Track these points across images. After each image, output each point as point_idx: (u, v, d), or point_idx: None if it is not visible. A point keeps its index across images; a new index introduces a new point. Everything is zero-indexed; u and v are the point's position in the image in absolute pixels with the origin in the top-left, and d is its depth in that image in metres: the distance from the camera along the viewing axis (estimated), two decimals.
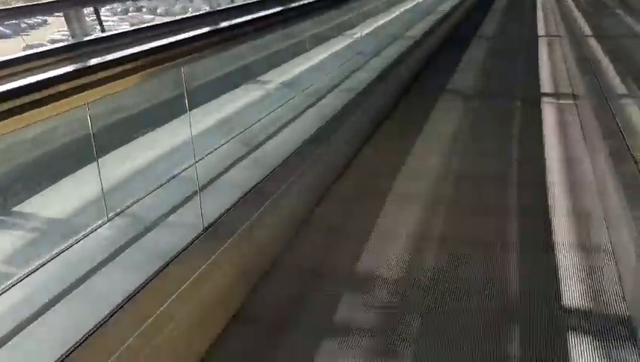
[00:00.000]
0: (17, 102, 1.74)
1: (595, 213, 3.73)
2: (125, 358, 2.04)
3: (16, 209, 2.27)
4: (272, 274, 3.15)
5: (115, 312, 2.07)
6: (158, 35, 3.41)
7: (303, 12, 4.29)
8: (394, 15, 8.46)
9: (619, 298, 2.85)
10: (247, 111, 3.86)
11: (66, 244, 2.23)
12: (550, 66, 7.91)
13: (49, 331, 1.98)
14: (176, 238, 2.55)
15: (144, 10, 19.78)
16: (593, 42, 7.57)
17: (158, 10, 19.34)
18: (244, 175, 3.32)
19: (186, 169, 2.73)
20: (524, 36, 10.39)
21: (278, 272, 3.17)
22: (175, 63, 2.47)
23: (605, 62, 5.92)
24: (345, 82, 5.40)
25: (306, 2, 4.42)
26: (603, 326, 2.66)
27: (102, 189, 2.19)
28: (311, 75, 4.83)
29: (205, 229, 2.67)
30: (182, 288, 2.37)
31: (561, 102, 6.24)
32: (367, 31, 6.35)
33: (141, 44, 2.35)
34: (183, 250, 2.50)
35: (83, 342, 1.93)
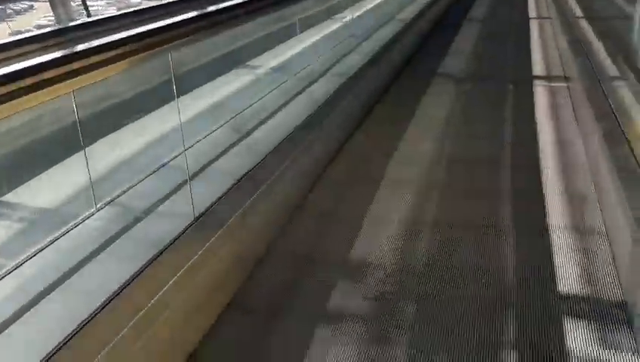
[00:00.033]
0: (2, 90, 1.70)
1: (588, 196, 3.72)
2: (120, 348, 2.01)
3: (1, 199, 2.22)
4: (266, 261, 3.12)
5: (109, 302, 2.03)
6: (146, 19, 3.34)
7: None
8: None
9: (613, 279, 2.84)
10: (237, 96, 3.81)
11: (55, 235, 2.19)
12: (541, 48, 7.88)
13: (42, 321, 1.95)
14: (167, 228, 2.51)
15: None
16: (584, 24, 7.53)
17: None
18: (236, 162, 3.28)
19: (175, 157, 2.68)
20: (514, 19, 10.34)
21: (271, 259, 3.14)
22: (163, 49, 2.42)
23: (597, 44, 5.89)
24: (336, 66, 5.34)
25: None
26: (598, 309, 2.65)
27: (90, 179, 2.14)
28: (302, 59, 4.77)
29: (197, 218, 2.63)
30: (176, 276, 2.34)
31: (552, 84, 6.22)
32: (357, 14, 6.28)
33: (128, 30, 2.30)
34: (175, 239, 2.46)
35: (77, 331, 1.91)
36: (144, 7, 3.71)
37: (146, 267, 2.27)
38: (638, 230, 2.60)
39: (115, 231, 2.36)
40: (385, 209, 3.68)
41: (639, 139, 3.54)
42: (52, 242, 2.06)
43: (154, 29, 2.40)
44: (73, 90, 2.01)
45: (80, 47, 2.08)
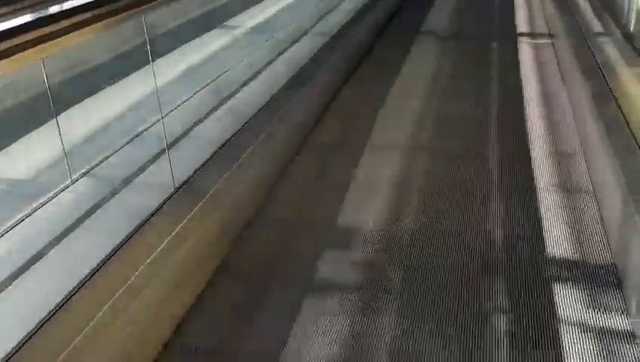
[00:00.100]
0: None
1: (575, 154, 3.69)
2: (109, 315, 1.96)
3: None
4: (254, 228, 3.06)
5: (88, 279, 1.97)
6: None
7: None
8: None
9: (601, 238, 2.83)
10: (216, 58, 3.68)
11: (32, 207, 2.11)
12: (526, 5, 7.76)
13: (32, 287, 1.91)
14: (149, 198, 2.43)
15: None
16: None
17: None
18: (219, 126, 3.18)
19: (154, 123, 2.58)
20: None
21: (258, 226, 3.08)
22: (136, 11, 2.30)
23: (583, 2, 5.79)
24: (318, 24, 5.21)
25: None
26: (586, 268, 2.65)
27: (63, 149, 2.05)
28: (282, 18, 4.63)
29: (179, 186, 2.55)
30: (164, 243, 2.28)
31: (537, 41, 6.14)
32: None
33: None
34: (159, 207, 2.39)
35: (67, 300, 1.88)
36: None
37: (133, 234, 2.22)
38: (627, 191, 2.57)
39: (91, 205, 2.28)
40: (373, 169, 3.63)
41: (626, 96, 3.50)
42: (23, 219, 1.98)
43: None
44: (42, 59, 1.90)
45: (51, 11, 1.98)
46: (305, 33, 4.90)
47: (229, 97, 3.55)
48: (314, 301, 2.52)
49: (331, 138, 4.14)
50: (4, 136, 2.05)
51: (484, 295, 2.52)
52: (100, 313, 1.93)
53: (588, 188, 3.30)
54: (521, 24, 6.87)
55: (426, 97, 4.80)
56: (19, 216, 1.98)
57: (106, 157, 2.40)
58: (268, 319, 2.42)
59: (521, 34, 6.47)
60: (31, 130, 2.15)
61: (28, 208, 2.03)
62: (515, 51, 5.82)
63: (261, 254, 2.86)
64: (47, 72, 1.95)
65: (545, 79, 5.03)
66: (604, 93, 3.66)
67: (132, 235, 2.25)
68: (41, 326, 1.81)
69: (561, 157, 3.67)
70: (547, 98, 4.61)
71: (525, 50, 5.85)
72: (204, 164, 2.84)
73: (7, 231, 1.92)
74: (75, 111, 2.26)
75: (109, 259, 2.12)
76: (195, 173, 2.73)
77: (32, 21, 1.93)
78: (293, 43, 4.62)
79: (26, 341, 1.75)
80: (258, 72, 4.01)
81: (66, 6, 2.13)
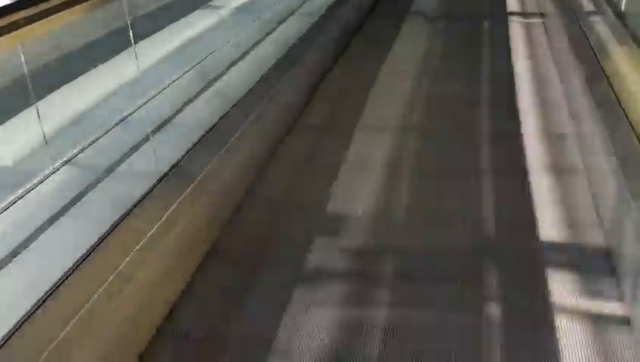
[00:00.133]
0: None
1: (568, 134, 3.67)
2: (102, 301, 1.93)
3: None
4: (243, 210, 3.02)
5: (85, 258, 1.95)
6: None
7: None
8: None
9: (593, 222, 2.81)
10: (202, 40, 3.62)
11: (16, 194, 2.06)
12: None
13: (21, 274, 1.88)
14: (137, 183, 2.38)
15: None
16: None
17: None
18: (208, 109, 3.12)
19: (141, 106, 2.52)
20: None
21: (248, 208, 3.04)
22: None
23: None
24: (306, 4, 5.13)
25: None
26: (578, 249, 2.63)
27: (44, 136, 1.99)
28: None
29: (167, 172, 2.49)
30: (154, 228, 2.24)
31: (529, 21, 6.08)
32: None
33: None
34: (148, 192, 2.35)
35: (57, 287, 1.84)
36: None
37: (122, 219, 2.18)
38: (619, 169, 2.53)
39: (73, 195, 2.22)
40: (364, 149, 3.60)
41: (618, 75, 3.46)
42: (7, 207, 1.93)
43: None
44: (20, 41, 1.83)
45: None
46: (292, 13, 4.83)
47: (216, 79, 3.49)
48: (305, 285, 2.49)
49: (321, 119, 4.09)
50: None
51: (476, 278, 2.49)
52: (93, 299, 1.90)
53: (579, 169, 3.27)
54: (512, 3, 6.80)
55: (417, 77, 4.75)
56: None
57: (93, 141, 2.35)
58: (258, 304, 2.39)
59: (512, 13, 6.41)
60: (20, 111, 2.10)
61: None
62: (505, 31, 5.77)
63: (251, 236, 2.82)
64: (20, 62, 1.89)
65: (536, 58, 4.99)
66: (596, 73, 3.62)
67: (121, 221, 2.20)
68: (32, 314, 1.77)
69: (552, 138, 3.64)
70: (538, 78, 4.58)
71: (516, 30, 5.80)
72: (193, 147, 2.78)
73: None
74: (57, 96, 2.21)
75: (98, 245, 2.07)
76: (184, 156, 2.68)
77: (9, 4, 1.86)
78: (280, 23, 4.55)
79: (17, 329, 1.71)
80: (246, 53, 3.95)
81: None
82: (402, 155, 3.56)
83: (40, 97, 1.98)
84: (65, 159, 2.16)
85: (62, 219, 2.12)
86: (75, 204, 2.21)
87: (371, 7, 6.68)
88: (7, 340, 1.63)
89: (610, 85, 3.36)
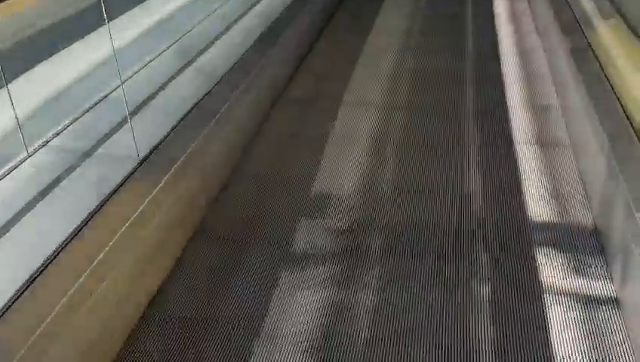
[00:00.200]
0: None
1: (552, 106, 3.66)
2: (95, 276, 1.91)
3: None
4: (230, 187, 2.98)
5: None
6: None
7: None
8: None
9: (582, 197, 2.80)
10: (181, 15, 3.51)
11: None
12: None
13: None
14: (120, 164, 2.31)
15: None
16: None
17: None
18: (190, 88, 3.04)
19: (116, 88, 2.44)
20: None
21: (234, 184, 3.00)
22: None
23: None
24: None
25: None
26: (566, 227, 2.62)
27: (17, 121, 1.91)
28: None
29: (145, 157, 2.43)
30: (142, 205, 2.18)
31: None
32: None
33: None
34: (133, 170, 2.29)
35: (44, 268, 1.82)
36: None
37: (108, 198, 2.13)
38: (609, 144, 2.50)
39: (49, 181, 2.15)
40: (348, 125, 3.55)
41: (602, 48, 3.44)
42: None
43: None
44: None
45: None
46: None
47: (199, 54, 3.41)
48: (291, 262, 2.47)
49: (306, 92, 4.04)
50: None
51: (464, 254, 2.48)
52: (80, 280, 1.86)
53: (566, 143, 3.26)
54: None
55: (400, 51, 4.69)
56: None
57: (76, 119, 2.27)
58: (244, 280, 2.37)
59: None
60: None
61: None
62: (490, 5, 5.71)
63: (238, 216, 2.79)
64: None
65: (521, 32, 4.94)
66: (582, 46, 3.59)
67: (107, 199, 2.16)
68: (17, 298, 1.74)
69: (537, 110, 3.61)
70: (523, 50, 4.54)
71: (500, 4, 5.75)
72: (177, 124, 2.71)
73: None
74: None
75: (85, 225, 2.03)
76: (168, 135, 2.61)
77: None
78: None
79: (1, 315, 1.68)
80: (229, 27, 3.87)
81: None
82: (387, 129, 3.52)
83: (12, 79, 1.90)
84: (37, 146, 2.09)
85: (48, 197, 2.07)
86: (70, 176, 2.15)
87: None
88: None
89: (596, 57, 3.34)
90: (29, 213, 2.00)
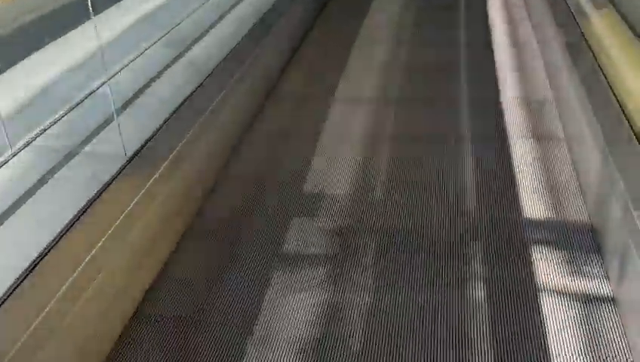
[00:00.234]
0: None
1: (546, 100, 3.63)
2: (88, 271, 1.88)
3: None
4: (218, 188, 2.94)
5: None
6: None
7: None
8: None
9: (576, 189, 2.78)
10: (168, 8, 3.45)
11: None
12: None
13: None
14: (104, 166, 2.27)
15: None
16: None
17: None
18: (178, 83, 2.99)
19: (104, 83, 2.38)
20: None
21: (223, 185, 2.96)
22: None
23: None
24: None
25: None
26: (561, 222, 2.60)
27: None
28: None
29: (141, 147, 2.37)
30: (131, 205, 2.15)
31: None
32: None
33: None
34: (121, 170, 2.25)
35: (43, 256, 1.80)
36: None
37: (102, 191, 2.10)
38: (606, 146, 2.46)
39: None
40: (342, 118, 3.53)
41: (595, 37, 3.40)
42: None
43: None
44: None
45: None
46: None
47: (190, 46, 3.36)
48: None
49: (300, 84, 4.01)
50: None
51: (458, 251, 2.46)
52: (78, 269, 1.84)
53: (560, 137, 3.23)
54: None
55: (394, 41, 4.65)
56: None
57: (71, 108, 2.22)
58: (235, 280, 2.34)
59: None
60: None
61: None
62: None
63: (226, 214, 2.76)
64: None
65: (514, 23, 4.90)
66: (576, 37, 3.55)
67: (101, 193, 2.12)
68: (15, 289, 1.71)
69: (531, 104, 3.58)
70: (516, 43, 4.50)
71: None
72: (170, 117, 2.66)
73: None
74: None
75: (83, 213, 2.01)
76: (160, 128, 2.56)
77: None
78: None
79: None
80: (222, 17, 3.82)
81: None
82: (382, 121, 3.49)
83: None
84: (21, 145, 2.04)
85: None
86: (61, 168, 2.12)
87: None
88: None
89: (590, 49, 3.31)
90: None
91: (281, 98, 3.84)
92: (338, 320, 2.14)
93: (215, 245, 2.55)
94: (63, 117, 2.21)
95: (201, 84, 3.02)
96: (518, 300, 2.19)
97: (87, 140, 2.33)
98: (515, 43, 4.52)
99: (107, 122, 2.39)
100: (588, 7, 3.92)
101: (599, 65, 3.10)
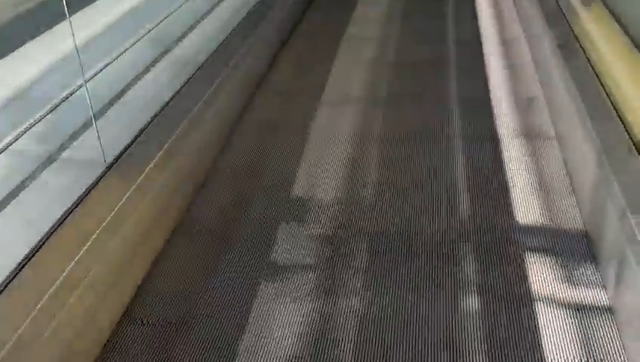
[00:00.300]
0: None
1: (536, 97, 3.62)
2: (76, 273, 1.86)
3: None
4: (208, 183, 2.91)
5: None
6: None
7: None
8: None
9: (567, 185, 2.78)
10: (154, 2, 3.39)
11: None
12: None
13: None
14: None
15: None
16: None
17: None
18: (165, 78, 2.94)
19: (101, 70, 2.33)
20: None
21: (213, 180, 2.93)
22: None
23: None
24: None
25: None
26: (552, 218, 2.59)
27: None
28: None
29: (130, 143, 2.32)
30: (120, 202, 2.11)
31: None
32: None
33: None
34: (112, 163, 2.20)
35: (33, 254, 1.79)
36: None
37: (91, 188, 2.08)
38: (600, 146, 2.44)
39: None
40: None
41: (584, 32, 3.40)
42: None
43: None
44: None
45: None
46: None
47: (180, 38, 3.32)
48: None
49: (289, 77, 3.98)
50: None
51: (449, 253, 2.44)
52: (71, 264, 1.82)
53: (551, 135, 3.22)
54: None
55: (383, 36, 4.63)
56: None
57: (64, 99, 2.16)
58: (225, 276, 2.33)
59: None
60: None
61: None
62: None
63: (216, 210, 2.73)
64: None
65: (503, 20, 4.89)
66: (565, 34, 3.54)
67: (90, 190, 2.10)
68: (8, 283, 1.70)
69: (521, 102, 3.57)
70: (505, 39, 4.49)
71: None
72: (158, 113, 2.62)
73: None
74: None
75: (71, 212, 1.99)
76: (148, 124, 2.52)
77: None
78: None
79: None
80: (211, 10, 3.77)
81: None
82: (370, 119, 3.47)
83: None
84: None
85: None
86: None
87: None
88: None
89: (580, 46, 3.30)
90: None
91: (271, 91, 3.81)
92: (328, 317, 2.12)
93: (205, 244, 2.52)
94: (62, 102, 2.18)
95: (191, 77, 2.98)
96: (511, 304, 2.17)
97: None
98: (504, 38, 4.51)
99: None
100: (578, 5, 3.91)
101: (588, 60, 3.09)
